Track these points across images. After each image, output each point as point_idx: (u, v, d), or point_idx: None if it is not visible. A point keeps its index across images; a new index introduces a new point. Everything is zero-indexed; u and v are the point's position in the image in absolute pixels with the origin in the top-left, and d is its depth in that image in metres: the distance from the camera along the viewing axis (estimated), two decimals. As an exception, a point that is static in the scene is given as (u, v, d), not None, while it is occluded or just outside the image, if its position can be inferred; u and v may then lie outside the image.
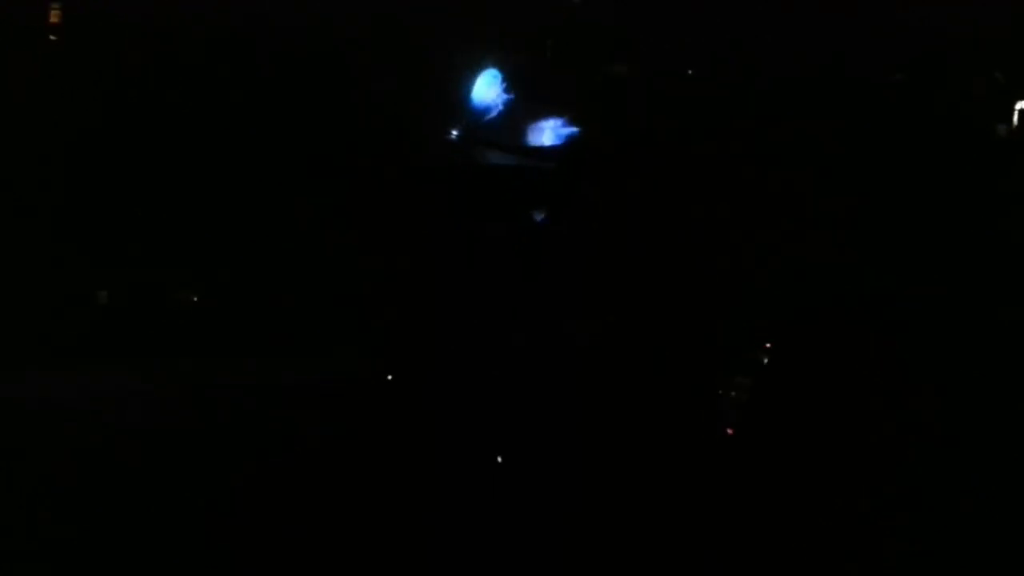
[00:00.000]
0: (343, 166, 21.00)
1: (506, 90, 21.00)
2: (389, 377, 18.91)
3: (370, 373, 19.20)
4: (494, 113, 21.13)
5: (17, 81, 21.45)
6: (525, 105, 21.37)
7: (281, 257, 20.63)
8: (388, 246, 20.39)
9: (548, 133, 21.28)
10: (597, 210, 20.62)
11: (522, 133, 21.41)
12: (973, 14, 21.65)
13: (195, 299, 20.03)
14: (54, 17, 22.13)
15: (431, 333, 19.51)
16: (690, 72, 22.12)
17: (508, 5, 21.82)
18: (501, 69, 21.10)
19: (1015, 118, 21.19)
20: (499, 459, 17.52)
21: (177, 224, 20.81)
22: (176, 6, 21.81)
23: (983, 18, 21.73)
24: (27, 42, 22.09)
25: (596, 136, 21.21)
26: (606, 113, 21.41)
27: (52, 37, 21.90)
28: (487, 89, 21.29)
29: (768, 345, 18.75)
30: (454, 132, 21.29)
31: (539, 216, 20.54)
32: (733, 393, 18.27)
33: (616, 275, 19.94)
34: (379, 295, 19.92)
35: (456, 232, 20.20)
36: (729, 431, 18.05)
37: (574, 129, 21.35)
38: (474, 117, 21.34)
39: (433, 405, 18.55)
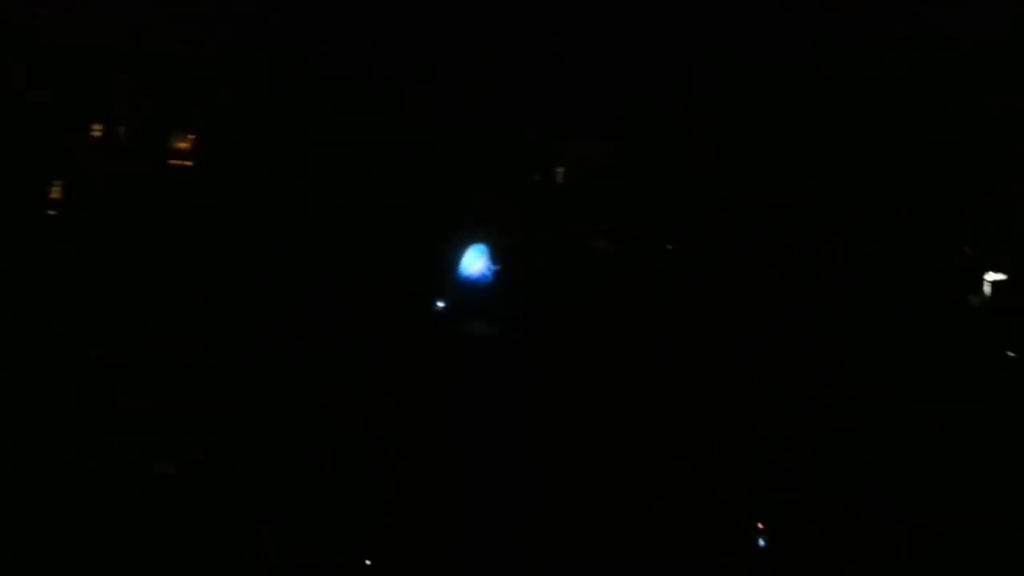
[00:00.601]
0: (339, 331, 21.45)
1: (493, 264, 22.26)
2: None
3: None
4: (481, 285, 22.36)
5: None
6: (515, 275, 22.53)
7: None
8: (379, 408, 20.68)
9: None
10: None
11: (509, 301, 22.56)
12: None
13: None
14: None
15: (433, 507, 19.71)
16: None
17: (499, 184, 22.87)
18: (489, 245, 22.34)
19: (986, 289, 21.63)
20: None
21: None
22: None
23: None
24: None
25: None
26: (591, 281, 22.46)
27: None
28: (473, 262, 22.56)
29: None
30: (441, 303, 22.45)
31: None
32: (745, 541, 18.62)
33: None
34: (375, 462, 20.16)
35: (452, 395, 20.70)
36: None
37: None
38: (462, 288, 22.50)
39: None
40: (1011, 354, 20.59)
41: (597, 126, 22.70)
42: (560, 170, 23.45)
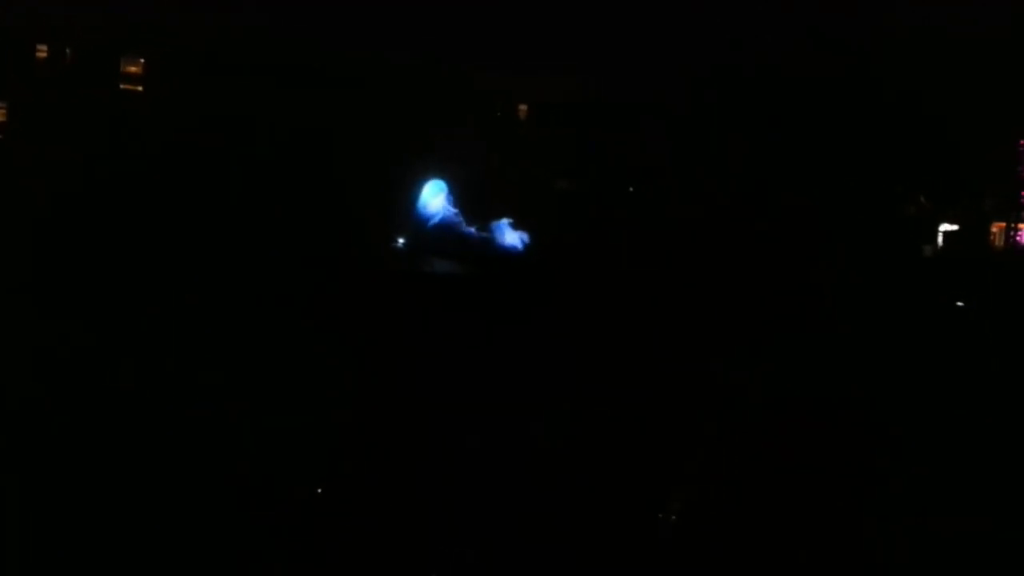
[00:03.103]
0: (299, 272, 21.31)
1: (451, 202, 22.15)
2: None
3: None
4: (437, 221, 22.14)
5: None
6: (474, 212, 22.38)
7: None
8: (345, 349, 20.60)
9: (509, 233, 22.23)
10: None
11: (468, 238, 22.31)
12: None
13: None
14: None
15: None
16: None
17: (456, 120, 22.72)
18: (447, 181, 22.20)
19: (939, 239, 21.72)
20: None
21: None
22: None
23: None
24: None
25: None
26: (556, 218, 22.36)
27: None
28: (432, 199, 22.41)
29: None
30: (400, 240, 22.25)
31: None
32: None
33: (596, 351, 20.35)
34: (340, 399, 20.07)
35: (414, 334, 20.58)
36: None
37: (523, 233, 22.34)
38: (419, 226, 22.35)
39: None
40: (960, 304, 20.69)
41: (560, 63, 22.62)
42: (523, 107, 23.38)
